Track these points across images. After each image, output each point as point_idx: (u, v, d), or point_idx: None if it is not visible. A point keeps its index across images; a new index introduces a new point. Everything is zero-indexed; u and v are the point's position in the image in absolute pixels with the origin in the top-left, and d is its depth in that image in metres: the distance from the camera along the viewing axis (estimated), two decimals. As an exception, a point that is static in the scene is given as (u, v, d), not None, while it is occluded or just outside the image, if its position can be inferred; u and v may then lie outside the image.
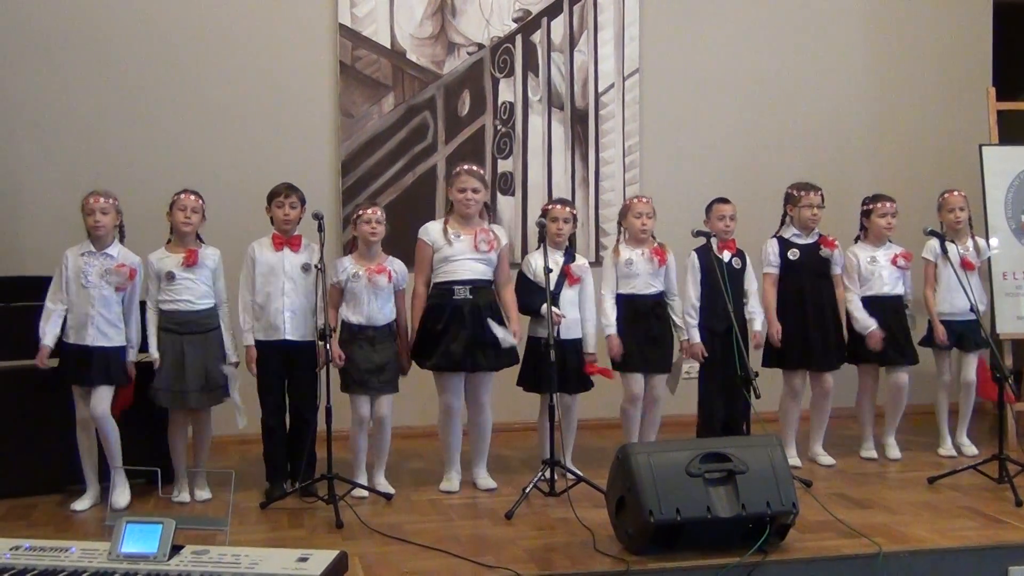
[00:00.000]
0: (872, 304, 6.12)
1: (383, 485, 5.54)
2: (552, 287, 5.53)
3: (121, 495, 5.28)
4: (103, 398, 5.21)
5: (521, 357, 5.71)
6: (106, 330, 5.26)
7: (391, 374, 5.46)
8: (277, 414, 5.51)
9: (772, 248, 6.12)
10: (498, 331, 5.47)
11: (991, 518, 4.95)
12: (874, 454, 6.23)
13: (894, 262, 6.17)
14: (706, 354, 5.91)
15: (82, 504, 5.30)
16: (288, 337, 5.45)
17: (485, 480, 5.67)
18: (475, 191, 5.57)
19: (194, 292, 5.38)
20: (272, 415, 5.50)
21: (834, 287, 6.13)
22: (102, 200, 5.27)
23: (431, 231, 5.61)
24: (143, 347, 5.41)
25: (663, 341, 5.88)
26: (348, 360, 5.36)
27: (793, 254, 6.08)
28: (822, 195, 6.11)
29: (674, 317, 5.94)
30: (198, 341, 5.35)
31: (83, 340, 5.23)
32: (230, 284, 5.54)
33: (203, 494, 5.46)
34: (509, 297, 5.65)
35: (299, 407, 5.51)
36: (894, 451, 6.27)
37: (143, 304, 5.43)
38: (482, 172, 5.69)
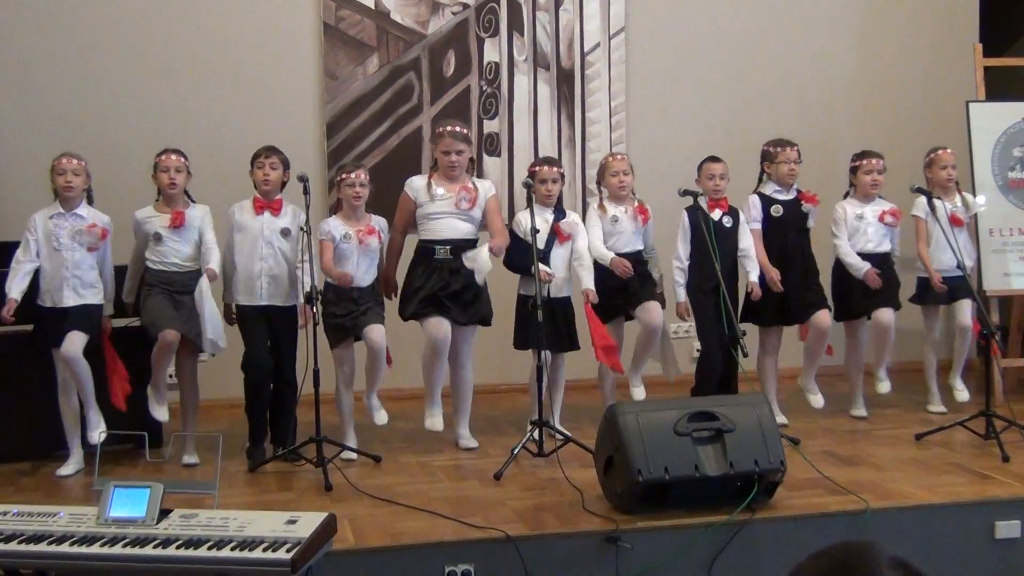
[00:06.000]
0: (858, 260, 6.11)
1: (375, 407, 5.52)
2: (542, 246, 5.52)
3: (98, 428, 5.11)
4: (76, 341, 5.11)
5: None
6: (82, 291, 5.23)
7: (375, 312, 5.44)
8: (260, 374, 5.47)
9: (755, 204, 6.09)
10: (468, 261, 5.48)
11: (978, 474, 4.98)
12: (864, 412, 6.23)
13: (881, 219, 6.15)
14: (690, 312, 5.91)
15: (67, 469, 5.27)
16: (266, 302, 5.45)
17: (467, 440, 5.69)
18: (459, 152, 5.57)
19: (181, 255, 5.36)
20: (255, 375, 5.47)
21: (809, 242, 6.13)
22: (75, 162, 5.23)
23: (415, 185, 5.65)
24: (118, 311, 5.46)
25: (643, 292, 5.79)
26: (332, 315, 5.35)
27: (776, 211, 6.06)
28: (798, 150, 6.09)
29: (652, 271, 5.93)
30: (189, 301, 5.31)
31: (60, 303, 5.19)
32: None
33: (191, 459, 5.42)
34: (501, 241, 5.57)
35: (282, 370, 5.51)
36: (884, 385, 6.24)
37: (118, 268, 5.42)
38: (466, 131, 5.69)
